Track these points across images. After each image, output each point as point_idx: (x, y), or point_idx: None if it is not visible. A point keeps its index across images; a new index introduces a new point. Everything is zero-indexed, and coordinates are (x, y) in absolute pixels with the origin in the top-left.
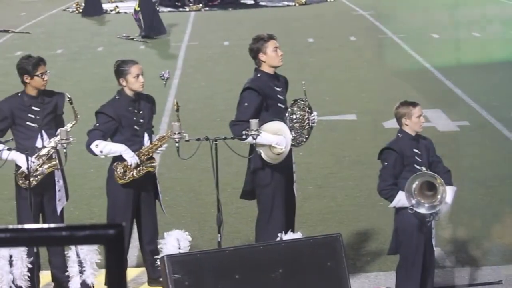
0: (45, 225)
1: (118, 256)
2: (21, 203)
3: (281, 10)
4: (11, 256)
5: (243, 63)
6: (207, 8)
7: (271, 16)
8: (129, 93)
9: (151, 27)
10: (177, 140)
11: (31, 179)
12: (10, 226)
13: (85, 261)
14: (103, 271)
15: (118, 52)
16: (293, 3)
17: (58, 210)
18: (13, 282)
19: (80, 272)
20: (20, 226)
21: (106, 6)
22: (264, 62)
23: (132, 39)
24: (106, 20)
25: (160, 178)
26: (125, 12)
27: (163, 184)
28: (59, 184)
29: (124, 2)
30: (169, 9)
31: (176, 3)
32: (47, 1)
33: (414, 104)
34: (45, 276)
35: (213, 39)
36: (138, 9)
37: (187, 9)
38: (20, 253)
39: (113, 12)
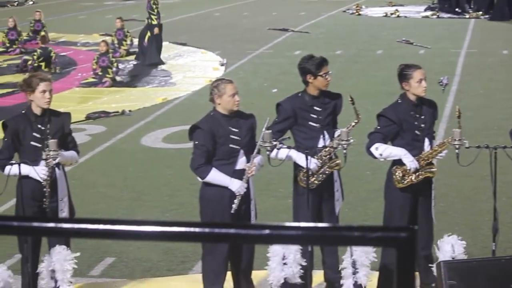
0: (337, 225)
1: (409, 260)
2: (299, 200)
3: None
4: (284, 256)
5: None
6: (487, 16)
7: None
8: (411, 97)
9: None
10: (457, 146)
11: (313, 179)
12: (302, 224)
13: (359, 263)
14: (376, 273)
15: (397, 55)
16: None
17: (337, 210)
18: (284, 279)
19: (353, 274)
20: (311, 225)
21: (386, 9)
22: None
23: (412, 43)
24: (386, 24)
25: (436, 184)
26: (405, 16)
27: (439, 190)
28: (337, 184)
29: (405, 6)
30: (449, 15)
31: (456, 10)
32: (327, 2)
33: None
34: (318, 276)
35: (492, 47)
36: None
37: (467, 16)
38: (294, 253)
39: (393, 15)
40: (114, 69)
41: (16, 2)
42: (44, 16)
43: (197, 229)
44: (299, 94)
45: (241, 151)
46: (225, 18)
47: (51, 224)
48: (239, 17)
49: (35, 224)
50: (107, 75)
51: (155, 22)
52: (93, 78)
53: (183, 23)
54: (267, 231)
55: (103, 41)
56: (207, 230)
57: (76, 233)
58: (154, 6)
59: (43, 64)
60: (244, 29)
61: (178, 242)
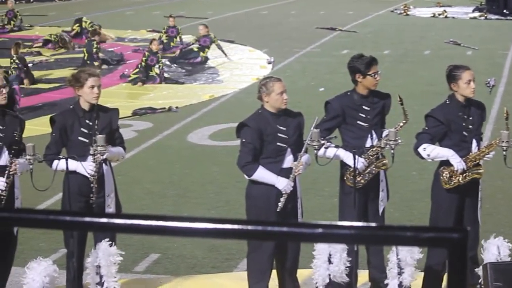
0: (390, 225)
1: (461, 260)
2: (345, 199)
3: None
4: (330, 254)
5: None
6: None
7: None
8: (460, 98)
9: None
10: (504, 148)
11: (360, 179)
12: (354, 224)
13: (404, 263)
14: (421, 273)
15: (445, 56)
16: None
17: (380, 210)
18: (330, 278)
19: (398, 274)
20: (363, 224)
21: (434, 10)
22: None
23: (459, 44)
24: (434, 24)
25: (482, 185)
26: (453, 17)
27: (485, 192)
28: (383, 183)
29: (453, 7)
30: (497, 16)
31: (504, 11)
32: (375, 2)
33: None
34: (362, 275)
35: None
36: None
37: None
38: (340, 251)
39: (441, 16)
40: (159, 66)
41: None
42: (92, 12)
43: (249, 227)
44: (348, 93)
45: (288, 150)
46: (272, 16)
47: (104, 220)
48: (287, 15)
49: (87, 219)
50: (150, 72)
51: (205, 55)
52: (135, 74)
53: (230, 20)
54: (320, 230)
55: (154, 39)
56: (259, 228)
57: (127, 228)
58: (215, 39)
59: (86, 55)
60: (292, 28)
61: (230, 239)
